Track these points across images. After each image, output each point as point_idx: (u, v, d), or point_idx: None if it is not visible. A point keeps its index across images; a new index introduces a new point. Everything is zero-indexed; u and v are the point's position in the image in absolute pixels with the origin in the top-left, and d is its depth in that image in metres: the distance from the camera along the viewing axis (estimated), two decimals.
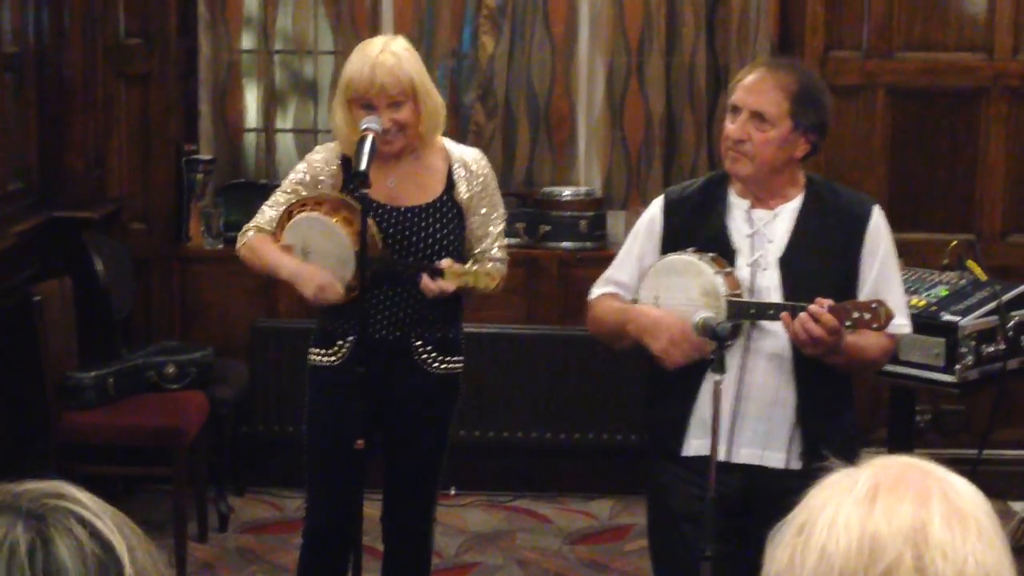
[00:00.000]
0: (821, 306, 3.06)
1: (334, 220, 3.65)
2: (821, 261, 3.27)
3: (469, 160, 3.82)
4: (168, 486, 4.93)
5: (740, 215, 3.32)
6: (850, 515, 1.28)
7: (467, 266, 3.65)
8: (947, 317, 4.20)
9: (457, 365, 3.85)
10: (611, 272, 3.48)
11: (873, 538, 1.27)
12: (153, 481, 5.30)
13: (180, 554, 4.77)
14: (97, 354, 5.02)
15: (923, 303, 4.29)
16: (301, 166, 3.86)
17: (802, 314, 3.07)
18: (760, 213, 3.31)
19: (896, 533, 1.27)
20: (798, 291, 3.19)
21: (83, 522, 1.22)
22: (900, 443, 4.67)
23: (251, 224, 3.82)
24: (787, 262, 3.26)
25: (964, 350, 4.15)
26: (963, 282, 4.43)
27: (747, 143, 3.24)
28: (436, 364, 3.79)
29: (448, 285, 3.61)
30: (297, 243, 3.71)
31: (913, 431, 4.85)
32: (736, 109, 3.28)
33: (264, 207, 3.84)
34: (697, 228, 3.33)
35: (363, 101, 3.66)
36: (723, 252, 3.27)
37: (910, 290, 4.38)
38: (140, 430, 4.81)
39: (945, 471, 1.36)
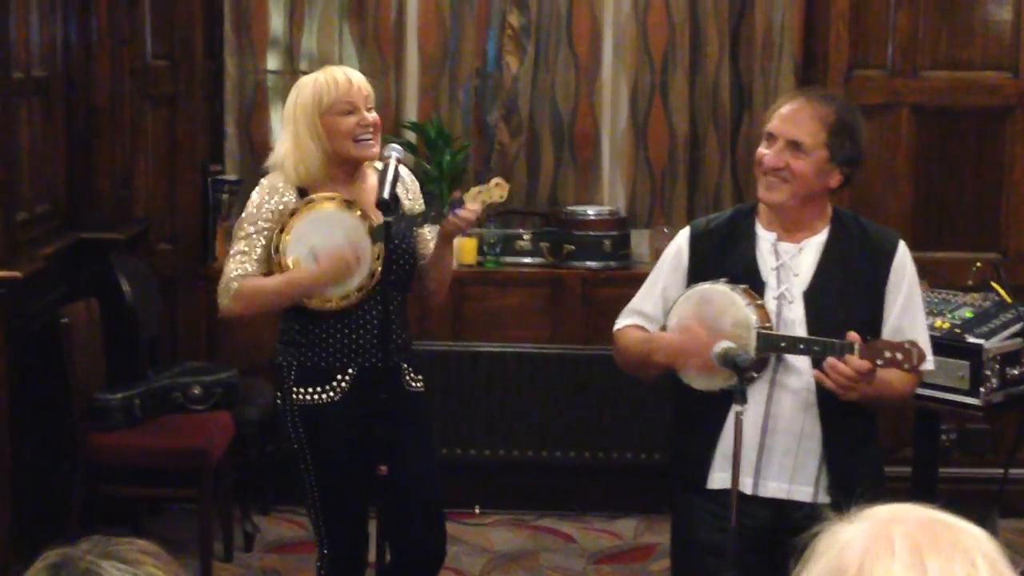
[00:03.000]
0: (853, 341, 3.06)
1: (332, 208, 3.65)
2: (845, 295, 3.26)
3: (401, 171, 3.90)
4: (194, 506, 4.96)
5: (767, 247, 3.32)
6: None
7: (476, 187, 3.68)
8: (972, 339, 4.19)
9: (422, 383, 3.91)
10: (636, 303, 3.48)
11: None
12: (179, 501, 5.34)
13: (206, 574, 4.79)
14: (124, 375, 5.05)
15: (947, 325, 4.29)
16: (257, 202, 3.72)
17: (831, 359, 3.07)
18: (786, 246, 3.31)
19: None
20: (822, 325, 3.19)
21: None
22: (925, 463, 4.67)
23: (230, 277, 3.69)
24: (811, 296, 3.25)
25: (989, 373, 4.15)
26: (987, 304, 4.42)
27: (783, 171, 3.24)
28: (414, 384, 3.86)
29: (475, 207, 3.63)
30: (302, 252, 3.65)
31: (938, 451, 4.84)
32: (772, 137, 3.28)
33: (235, 260, 3.70)
34: (724, 260, 3.32)
35: (344, 104, 3.68)
36: (752, 285, 3.26)
37: (934, 311, 4.37)
38: (166, 451, 4.84)
39: (961, 521, 1.36)
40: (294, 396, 3.72)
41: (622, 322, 3.49)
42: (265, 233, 3.68)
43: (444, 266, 3.84)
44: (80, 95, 5.29)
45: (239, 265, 3.68)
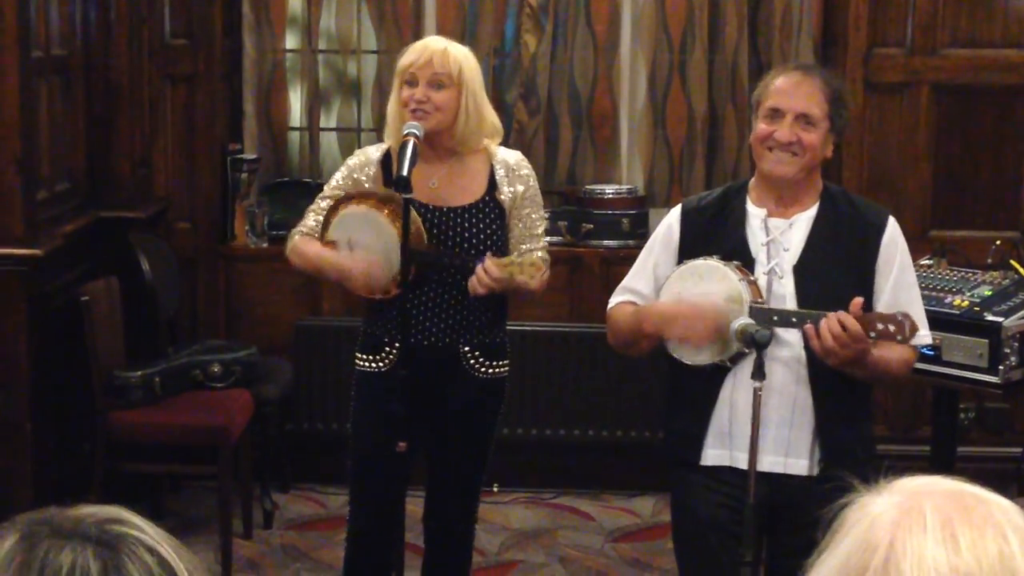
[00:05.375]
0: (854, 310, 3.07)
1: (381, 214, 3.66)
2: (835, 269, 3.26)
3: (511, 162, 3.82)
4: (213, 484, 4.98)
5: (757, 224, 3.32)
6: (937, 558, 1.26)
7: (511, 257, 3.62)
8: (990, 318, 4.18)
9: (503, 369, 3.86)
10: (628, 281, 3.48)
11: None
12: (199, 479, 5.37)
13: (225, 551, 4.82)
14: (143, 353, 5.07)
15: (966, 303, 4.27)
16: (340, 171, 3.87)
17: (830, 314, 3.06)
18: (776, 222, 3.31)
19: (988, 571, 1.26)
20: (812, 299, 3.20)
21: (150, 550, 1.25)
22: (943, 441, 4.67)
23: (296, 229, 3.86)
24: (801, 270, 3.26)
25: (1007, 351, 4.13)
26: (1007, 282, 4.41)
27: (795, 144, 3.25)
28: (483, 369, 3.81)
29: (494, 271, 3.52)
30: (342, 238, 3.72)
31: (956, 429, 4.83)
32: (778, 112, 3.27)
33: (308, 212, 3.86)
34: (714, 237, 3.33)
35: (407, 75, 3.69)
36: (742, 261, 3.27)
37: (953, 290, 4.37)
38: (186, 429, 4.86)
39: (991, 493, 1.35)
40: (356, 362, 3.84)
41: (615, 300, 3.49)
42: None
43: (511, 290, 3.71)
44: (99, 74, 5.30)
45: (310, 220, 3.83)
